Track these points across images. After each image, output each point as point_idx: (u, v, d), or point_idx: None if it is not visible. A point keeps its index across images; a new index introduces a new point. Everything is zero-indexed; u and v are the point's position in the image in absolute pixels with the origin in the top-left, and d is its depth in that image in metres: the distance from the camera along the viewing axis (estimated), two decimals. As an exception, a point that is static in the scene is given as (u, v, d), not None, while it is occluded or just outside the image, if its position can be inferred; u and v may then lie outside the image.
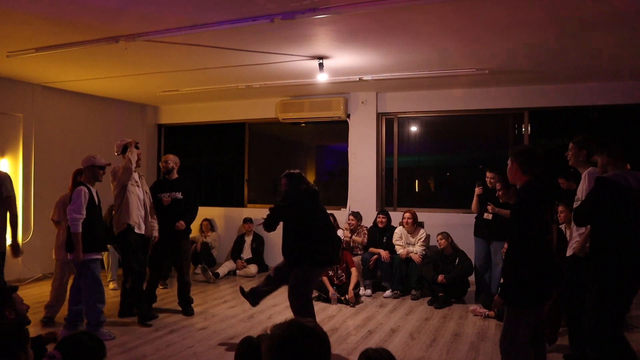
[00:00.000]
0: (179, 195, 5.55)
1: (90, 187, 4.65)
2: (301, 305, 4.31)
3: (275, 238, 8.16)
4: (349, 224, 7.00)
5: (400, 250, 6.50)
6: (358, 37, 4.85)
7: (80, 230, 4.48)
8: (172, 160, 5.61)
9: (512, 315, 3.02)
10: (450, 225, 6.71)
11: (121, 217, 5.02)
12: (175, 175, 5.61)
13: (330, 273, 6.11)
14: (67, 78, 6.79)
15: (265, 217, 4.39)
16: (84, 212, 4.51)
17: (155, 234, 5.32)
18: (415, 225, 6.59)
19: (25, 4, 3.94)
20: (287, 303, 5.91)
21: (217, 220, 8.61)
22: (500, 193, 4.75)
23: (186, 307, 5.54)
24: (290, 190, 4.37)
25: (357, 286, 6.15)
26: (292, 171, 4.46)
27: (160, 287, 6.07)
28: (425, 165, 8.20)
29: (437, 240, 6.17)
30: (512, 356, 2.99)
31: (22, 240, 6.94)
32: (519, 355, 2.97)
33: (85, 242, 4.50)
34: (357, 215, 7.02)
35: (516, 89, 7.03)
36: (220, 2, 3.84)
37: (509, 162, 3.12)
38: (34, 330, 4.47)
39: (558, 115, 7.24)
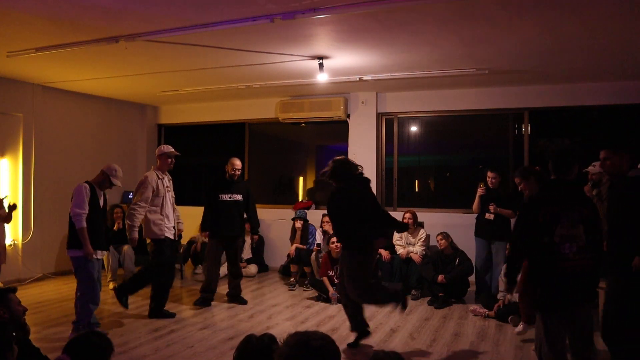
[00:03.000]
0: (239, 197, 5.78)
1: (96, 187, 4.66)
2: (361, 293, 4.33)
3: (275, 238, 8.19)
4: None
5: (400, 250, 6.50)
6: (358, 37, 4.84)
7: (85, 225, 4.46)
8: (240, 165, 5.83)
9: (538, 320, 2.99)
10: (450, 225, 6.71)
11: (154, 228, 5.13)
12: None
13: (330, 273, 6.10)
14: (67, 78, 6.79)
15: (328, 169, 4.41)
16: (87, 208, 4.50)
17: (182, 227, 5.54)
18: (415, 225, 6.59)
19: (25, 4, 3.94)
20: (287, 303, 5.98)
21: (217, 220, 8.59)
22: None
23: (238, 297, 5.92)
24: (340, 174, 4.39)
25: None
26: (338, 157, 4.51)
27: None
28: (425, 165, 8.20)
29: (437, 241, 6.16)
30: None
31: (22, 240, 6.95)
32: None
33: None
34: None
35: (516, 89, 7.03)
36: (220, 2, 3.84)
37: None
38: (35, 330, 4.48)
39: (558, 115, 7.23)
